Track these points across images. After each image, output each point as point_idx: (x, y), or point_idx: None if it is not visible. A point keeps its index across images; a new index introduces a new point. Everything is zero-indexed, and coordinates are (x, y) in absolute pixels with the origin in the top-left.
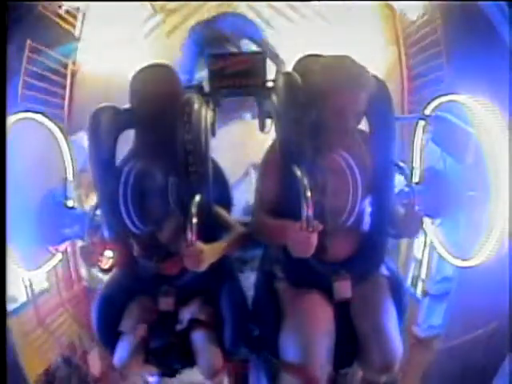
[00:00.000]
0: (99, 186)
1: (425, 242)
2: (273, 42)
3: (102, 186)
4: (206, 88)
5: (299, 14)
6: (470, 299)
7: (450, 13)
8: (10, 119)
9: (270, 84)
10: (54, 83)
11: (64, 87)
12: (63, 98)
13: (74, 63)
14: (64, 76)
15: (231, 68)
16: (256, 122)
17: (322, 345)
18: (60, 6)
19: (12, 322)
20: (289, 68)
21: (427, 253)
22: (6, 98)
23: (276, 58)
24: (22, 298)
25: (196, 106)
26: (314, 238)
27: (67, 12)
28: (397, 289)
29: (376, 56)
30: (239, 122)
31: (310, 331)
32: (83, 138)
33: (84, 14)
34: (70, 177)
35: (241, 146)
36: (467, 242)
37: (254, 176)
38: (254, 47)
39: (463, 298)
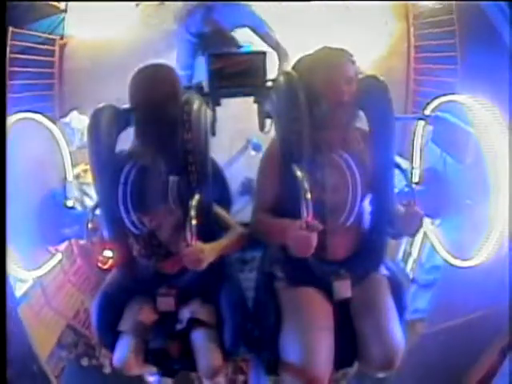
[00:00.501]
0: (99, 185)
1: None
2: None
3: (102, 185)
4: (206, 88)
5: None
6: (458, 288)
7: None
8: (10, 119)
9: (269, 84)
10: (42, 64)
11: (52, 66)
12: (53, 78)
13: (61, 38)
14: (52, 54)
15: (231, 68)
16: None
17: (322, 344)
18: None
19: (22, 306)
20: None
21: (419, 235)
22: (6, 98)
23: (278, 48)
24: (29, 280)
25: (196, 105)
26: (314, 238)
27: None
28: (397, 288)
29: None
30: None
31: (311, 331)
32: (75, 119)
33: None
34: (69, 177)
35: (240, 119)
36: (467, 242)
37: (252, 151)
38: (252, 39)
39: (451, 287)
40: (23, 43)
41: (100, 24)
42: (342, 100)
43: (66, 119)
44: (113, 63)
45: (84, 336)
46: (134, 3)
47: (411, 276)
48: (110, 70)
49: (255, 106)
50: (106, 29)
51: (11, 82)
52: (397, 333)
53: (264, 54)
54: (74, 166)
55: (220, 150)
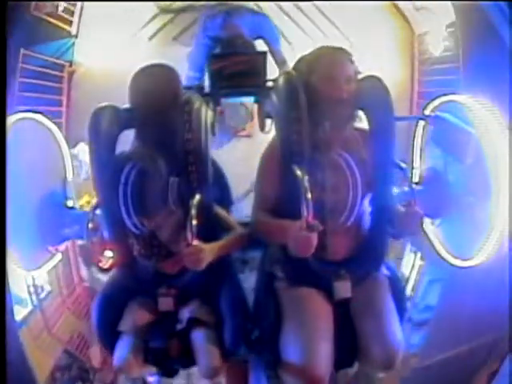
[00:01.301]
0: (99, 185)
1: (413, 264)
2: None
3: (102, 185)
4: (206, 88)
5: (315, 27)
6: (453, 318)
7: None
8: (10, 119)
9: (269, 84)
10: (51, 90)
11: (61, 93)
12: (61, 105)
13: (70, 64)
14: (60, 80)
15: (231, 68)
16: (262, 138)
17: (322, 345)
18: (57, 6)
19: (22, 330)
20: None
21: (414, 275)
22: (6, 98)
23: (284, 67)
24: (29, 305)
25: (196, 105)
26: (314, 238)
27: (63, 10)
28: (397, 288)
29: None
30: (245, 138)
31: (311, 331)
32: (83, 150)
33: (81, 11)
34: (69, 177)
35: (246, 161)
36: (467, 242)
37: None
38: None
39: (445, 319)
40: (32, 67)
41: (111, 54)
42: (341, 99)
43: (74, 151)
44: (122, 95)
45: (78, 359)
46: (147, 36)
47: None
48: (119, 101)
49: (261, 149)
50: (117, 60)
51: (20, 108)
52: (397, 333)
53: (264, 53)
54: (78, 197)
55: None
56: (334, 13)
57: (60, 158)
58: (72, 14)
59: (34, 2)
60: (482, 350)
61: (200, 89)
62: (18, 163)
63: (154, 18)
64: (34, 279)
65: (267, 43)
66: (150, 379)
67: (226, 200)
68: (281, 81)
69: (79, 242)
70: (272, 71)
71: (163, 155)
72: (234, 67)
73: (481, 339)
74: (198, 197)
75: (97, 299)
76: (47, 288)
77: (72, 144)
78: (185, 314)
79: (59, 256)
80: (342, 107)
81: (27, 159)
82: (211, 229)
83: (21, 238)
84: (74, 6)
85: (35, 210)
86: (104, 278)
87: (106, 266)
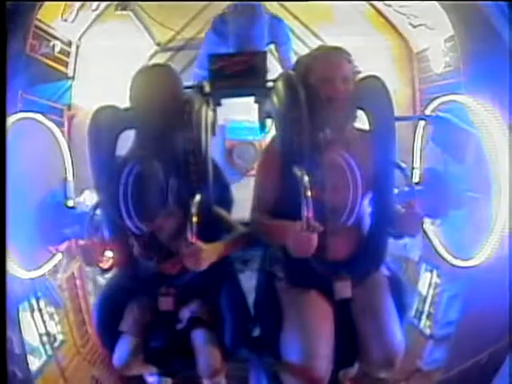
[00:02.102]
0: (99, 186)
1: (430, 282)
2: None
3: (102, 186)
4: (206, 88)
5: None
6: (473, 329)
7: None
8: (10, 119)
9: (269, 84)
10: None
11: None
12: None
13: (69, 108)
14: (61, 124)
15: (231, 68)
16: None
17: (323, 345)
18: (53, 46)
19: (38, 381)
20: None
21: (431, 293)
22: (6, 98)
23: None
24: (43, 356)
25: (196, 105)
26: (315, 239)
27: (60, 51)
28: (397, 288)
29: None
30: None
31: (311, 331)
32: (89, 198)
33: (77, 51)
34: (69, 177)
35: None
36: (468, 242)
37: None
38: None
39: (466, 331)
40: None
41: (109, 95)
42: (338, 98)
43: (80, 199)
44: (125, 136)
45: None
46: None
47: (428, 333)
48: (123, 143)
49: None
50: (117, 101)
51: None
52: (397, 333)
53: (265, 53)
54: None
55: None
56: (328, 36)
57: (60, 158)
58: (68, 54)
59: (28, 44)
60: (499, 354)
61: (200, 88)
62: (18, 163)
63: (153, 56)
64: (46, 330)
65: (277, 48)
66: (150, 379)
67: (226, 200)
68: (281, 81)
69: (80, 242)
70: (272, 71)
71: (163, 155)
72: (233, 67)
73: (499, 343)
74: (198, 197)
75: (97, 299)
76: (60, 338)
77: (77, 193)
78: (185, 313)
79: (59, 256)
80: (341, 107)
81: (27, 159)
82: (212, 229)
83: (21, 238)
84: (70, 46)
85: (35, 210)
86: None
87: (106, 266)
